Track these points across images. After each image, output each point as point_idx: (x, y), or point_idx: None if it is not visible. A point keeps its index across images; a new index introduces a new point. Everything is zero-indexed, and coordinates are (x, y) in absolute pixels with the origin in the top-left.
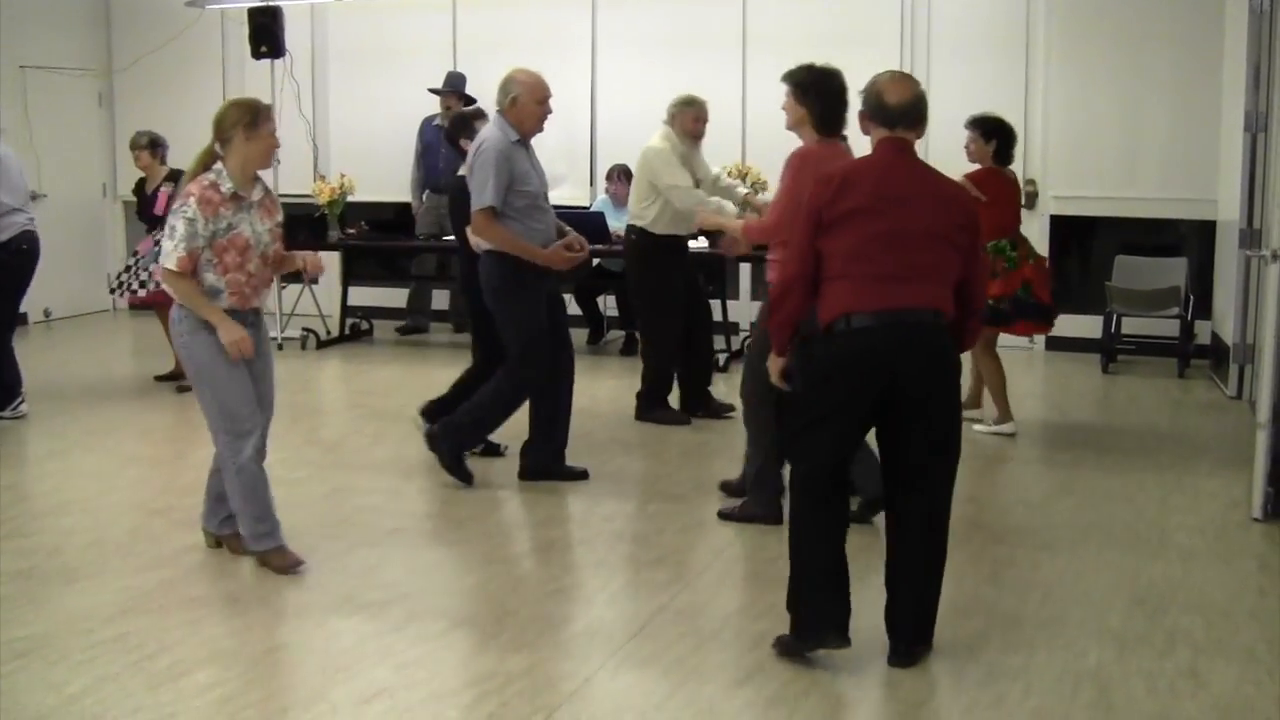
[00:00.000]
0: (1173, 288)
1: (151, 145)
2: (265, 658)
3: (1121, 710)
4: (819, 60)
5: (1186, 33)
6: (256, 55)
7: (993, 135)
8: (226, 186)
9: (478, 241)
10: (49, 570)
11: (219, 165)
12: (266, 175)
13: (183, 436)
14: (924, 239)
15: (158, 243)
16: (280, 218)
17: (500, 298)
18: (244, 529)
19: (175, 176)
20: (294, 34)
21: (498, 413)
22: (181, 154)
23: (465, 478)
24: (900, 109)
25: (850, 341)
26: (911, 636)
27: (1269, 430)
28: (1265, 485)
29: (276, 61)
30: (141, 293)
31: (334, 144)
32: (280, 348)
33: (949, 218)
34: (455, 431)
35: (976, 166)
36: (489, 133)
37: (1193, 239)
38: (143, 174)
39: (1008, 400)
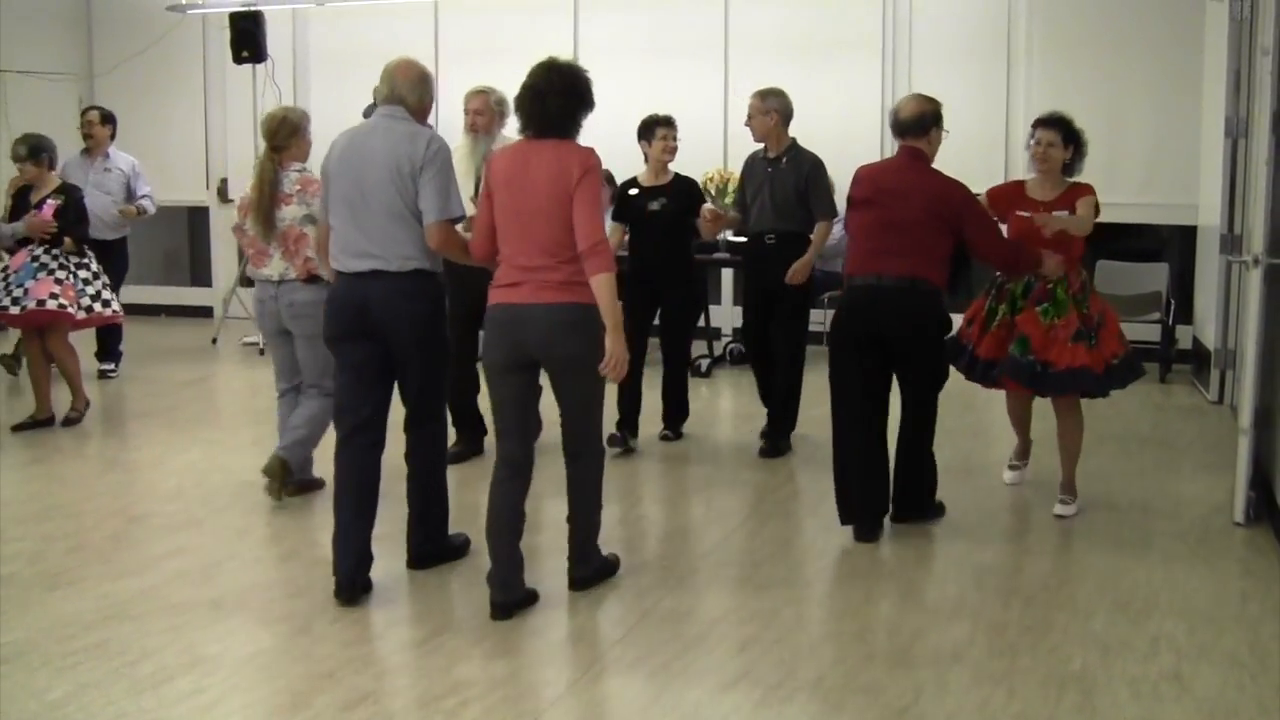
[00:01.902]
0: (1154, 293)
1: (32, 153)
2: (248, 664)
3: (1105, 715)
4: (800, 65)
5: (1167, 39)
6: (238, 60)
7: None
8: None
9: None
10: (30, 576)
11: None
12: (248, 179)
13: (163, 442)
14: (909, 225)
15: (35, 258)
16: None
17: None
18: (298, 454)
19: (67, 190)
20: (275, 39)
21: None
22: (163, 155)
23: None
24: (905, 123)
25: (847, 295)
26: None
27: (1251, 435)
28: (1247, 490)
29: (258, 66)
30: (14, 310)
31: (315, 149)
32: (262, 353)
33: (936, 208)
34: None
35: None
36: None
37: (1174, 244)
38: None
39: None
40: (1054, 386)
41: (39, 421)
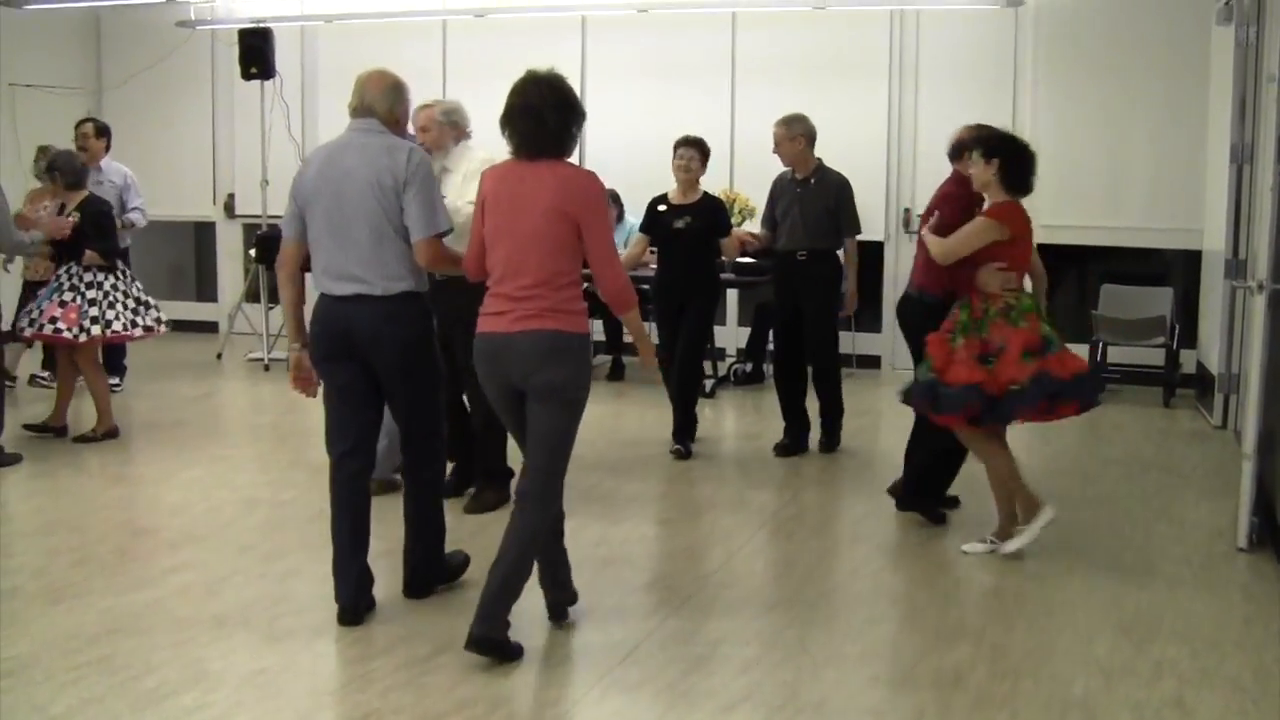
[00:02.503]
0: (1158, 317)
1: (48, 170)
2: (251, 680)
3: None
4: (807, 87)
5: (1173, 64)
6: (246, 76)
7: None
8: None
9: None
10: (33, 590)
11: None
12: (256, 195)
13: (168, 457)
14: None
15: (57, 278)
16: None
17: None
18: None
19: (86, 202)
20: (284, 55)
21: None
22: (171, 170)
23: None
24: (951, 149)
25: None
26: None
27: (1254, 460)
28: (1250, 515)
29: (266, 83)
30: (30, 330)
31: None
32: (267, 369)
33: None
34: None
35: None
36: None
37: (1178, 269)
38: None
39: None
40: (949, 407)
41: (49, 427)
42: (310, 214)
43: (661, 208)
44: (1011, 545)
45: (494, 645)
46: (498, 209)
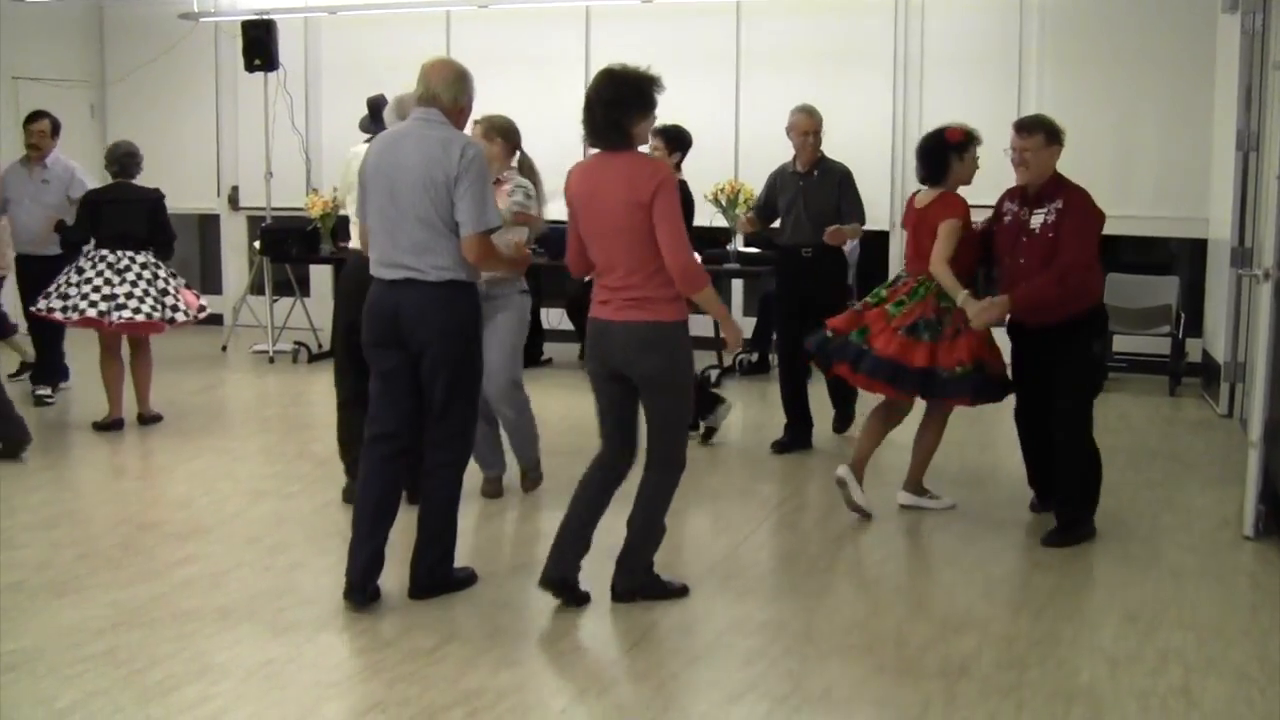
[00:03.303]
0: (1164, 306)
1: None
2: (256, 673)
3: None
4: (812, 77)
5: (1178, 52)
6: (250, 68)
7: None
8: None
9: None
10: (38, 584)
11: None
12: (259, 187)
13: (173, 449)
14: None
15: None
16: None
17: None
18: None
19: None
20: (287, 48)
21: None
22: (174, 162)
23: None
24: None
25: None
26: None
27: (1260, 449)
28: (1256, 503)
29: (270, 75)
30: (113, 317)
31: (326, 158)
32: (272, 361)
33: None
34: None
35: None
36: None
37: (1184, 257)
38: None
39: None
40: (869, 370)
41: (114, 423)
42: (367, 199)
43: None
44: (907, 499)
45: (628, 595)
46: (583, 206)
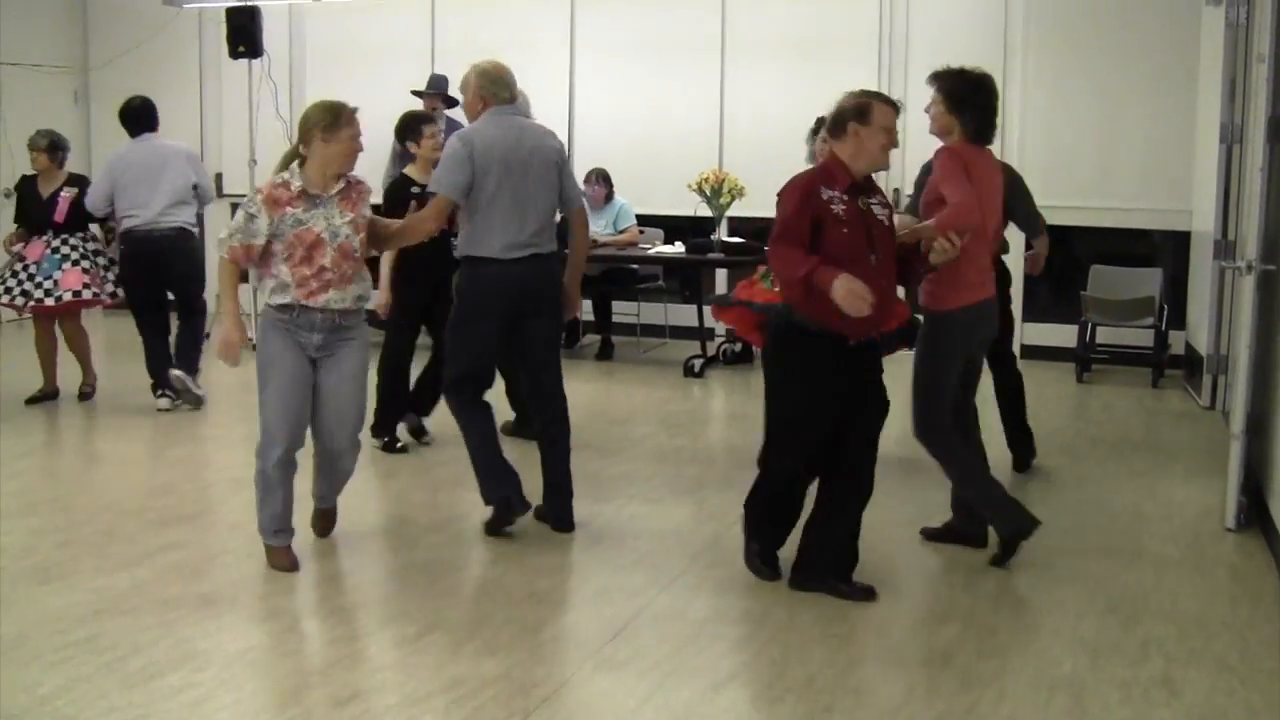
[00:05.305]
0: (1147, 298)
1: (51, 148)
2: (239, 660)
3: (1095, 718)
4: (797, 65)
5: (1163, 45)
6: (234, 55)
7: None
8: (296, 184)
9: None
10: (20, 571)
11: (295, 165)
12: (244, 174)
13: (155, 436)
14: None
15: (55, 249)
16: (366, 210)
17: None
18: (259, 520)
19: (77, 181)
20: (272, 34)
21: None
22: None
23: None
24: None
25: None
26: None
27: (1242, 441)
28: (1238, 495)
29: (254, 62)
30: (49, 301)
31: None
32: (254, 348)
33: None
34: None
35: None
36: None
37: (1168, 250)
38: (36, 173)
39: None
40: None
41: (46, 395)
42: (487, 184)
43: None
44: None
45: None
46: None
